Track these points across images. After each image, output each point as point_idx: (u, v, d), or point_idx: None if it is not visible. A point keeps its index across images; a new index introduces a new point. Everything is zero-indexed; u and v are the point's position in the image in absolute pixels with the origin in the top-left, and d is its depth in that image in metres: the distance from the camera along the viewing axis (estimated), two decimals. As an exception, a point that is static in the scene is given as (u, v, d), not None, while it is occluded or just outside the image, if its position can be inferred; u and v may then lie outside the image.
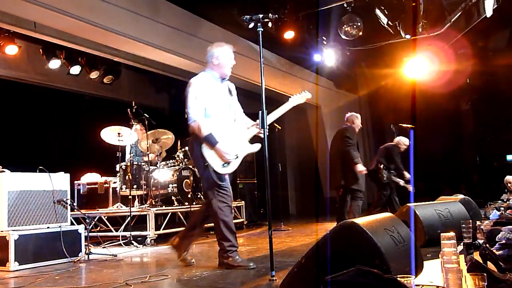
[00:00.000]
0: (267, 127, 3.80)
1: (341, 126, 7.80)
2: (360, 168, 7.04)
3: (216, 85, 4.40)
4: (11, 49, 8.00)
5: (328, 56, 9.97)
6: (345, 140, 7.30)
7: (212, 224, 7.64)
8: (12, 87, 8.82)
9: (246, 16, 3.70)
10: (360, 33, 8.46)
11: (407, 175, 8.29)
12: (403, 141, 8.57)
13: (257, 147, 4.47)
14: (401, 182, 8.19)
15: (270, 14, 3.71)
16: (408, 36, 8.45)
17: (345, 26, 8.43)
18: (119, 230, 6.89)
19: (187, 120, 4.27)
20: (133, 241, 6.44)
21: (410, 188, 7.84)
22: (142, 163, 7.45)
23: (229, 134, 4.34)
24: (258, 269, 4.11)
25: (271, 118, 4.46)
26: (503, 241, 3.45)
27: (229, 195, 4.29)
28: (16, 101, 8.81)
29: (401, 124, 8.12)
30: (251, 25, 3.90)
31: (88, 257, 5.28)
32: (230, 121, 4.47)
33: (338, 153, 7.38)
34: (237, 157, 4.33)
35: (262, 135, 4.20)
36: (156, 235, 6.68)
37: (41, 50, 8.63)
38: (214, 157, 4.21)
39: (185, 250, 4.60)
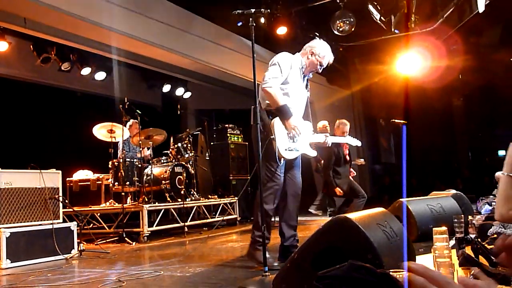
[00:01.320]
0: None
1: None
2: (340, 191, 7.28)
3: (299, 72, 4.25)
4: (1, 46, 7.94)
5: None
6: (324, 163, 7.57)
7: (204, 221, 7.66)
8: (3, 84, 8.75)
9: (238, 11, 3.68)
10: (353, 29, 8.46)
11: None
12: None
13: (314, 153, 4.33)
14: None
15: (262, 9, 3.69)
16: (397, 31, 8.46)
17: (337, 21, 8.42)
18: (112, 227, 6.87)
19: (262, 84, 4.00)
20: (126, 238, 6.42)
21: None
22: (135, 160, 7.42)
23: (300, 123, 4.12)
24: (251, 265, 4.11)
25: (329, 140, 4.50)
26: (495, 236, 3.47)
27: (279, 184, 4.02)
28: (6, 98, 8.74)
29: (393, 120, 8.14)
30: (240, 23, 3.89)
31: (80, 254, 5.26)
32: (301, 113, 4.31)
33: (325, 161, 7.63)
34: (297, 150, 4.12)
35: (313, 149, 4.17)
36: (149, 232, 6.66)
37: (31, 46, 8.56)
38: (283, 136, 3.98)
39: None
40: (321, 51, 4.26)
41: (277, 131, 3.94)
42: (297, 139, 4.07)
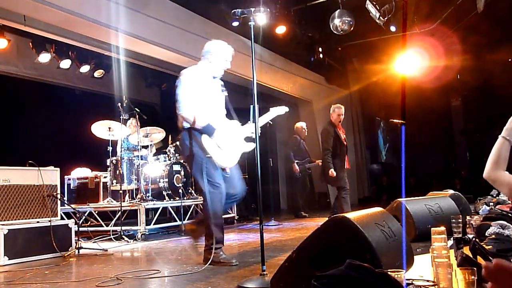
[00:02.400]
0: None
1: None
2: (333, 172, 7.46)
3: (207, 80, 4.37)
4: (1, 43, 7.92)
5: (319, 51, 9.99)
6: (322, 144, 7.73)
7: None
8: (1, 81, 8.73)
9: (237, 10, 3.67)
10: (352, 28, 8.46)
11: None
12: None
13: (252, 146, 4.44)
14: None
15: (261, 8, 3.69)
16: (393, 28, 8.47)
17: (336, 21, 8.42)
18: (110, 225, 6.87)
19: (176, 111, 4.19)
20: (123, 236, 6.42)
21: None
22: (133, 158, 7.42)
23: (225, 129, 4.31)
24: (249, 264, 4.11)
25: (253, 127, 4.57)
26: (493, 236, 3.48)
27: (222, 191, 4.21)
28: (5, 95, 8.73)
29: (392, 120, 8.17)
30: (235, 23, 3.89)
31: (78, 251, 5.26)
32: (223, 117, 4.46)
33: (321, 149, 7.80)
34: (234, 153, 4.33)
35: (253, 136, 4.21)
36: (147, 230, 6.66)
37: (30, 43, 8.54)
38: (216, 149, 4.16)
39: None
40: (217, 51, 4.37)
41: (209, 148, 4.13)
42: (229, 146, 4.29)
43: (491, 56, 10.79)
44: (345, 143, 7.71)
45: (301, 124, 9.89)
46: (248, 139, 4.53)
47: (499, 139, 2.39)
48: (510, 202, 5.30)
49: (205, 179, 4.10)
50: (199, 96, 4.22)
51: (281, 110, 4.88)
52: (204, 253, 4.26)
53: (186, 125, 4.23)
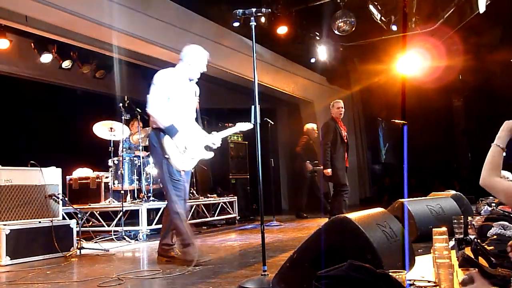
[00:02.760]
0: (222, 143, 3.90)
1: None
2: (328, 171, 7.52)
3: (183, 82, 4.50)
4: (2, 43, 7.93)
5: (321, 51, 9.98)
6: (322, 138, 7.76)
7: (203, 220, 7.70)
8: (3, 81, 8.74)
9: (239, 10, 3.67)
10: (353, 29, 8.46)
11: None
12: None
13: (210, 155, 4.71)
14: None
15: (263, 9, 3.68)
16: (394, 27, 8.46)
17: (338, 21, 8.42)
18: (111, 225, 6.87)
19: (147, 107, 4.33)
20: (125, 236, 6.43)
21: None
22: (134, 158, 7.42)
23: (189, 133, 4.44)
24: (250, 264, 4.11)
25: (220, 136, 4.84)
26: (494, 237, 3.48)
27: (184, 191, 4.40)
28: (7, 95, 8.73)
29: (393, 120, 8.16)
30: (236, 23, 3.91)
31: (80, 252, 5.26)
32: (191, 121, 4.61)
33: (322, 146, 7.77)
34: (193, 158, 4.47)
35: (214, 147, 4.64)
36: (149, 230, 6.66)
37: (32, 44, 8.55)
38: (175, 151, 4.29)
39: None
40: (195, 54, 4.52)
41: (169, 149, 4.26)
42: (189, 150, 4.39)
43: (493, 56, 10.77)
44: (345, 140, 7.70)
45: (312, 126, 9.93)
46: (208, 148, 4.73)
47: (492, 147, 2.47)
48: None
49: (166, 177, 4.26)
50: (171, 97, 4.35)
51: (246, 126, 5.00)
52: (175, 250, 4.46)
53: (155, 124, 4.37)
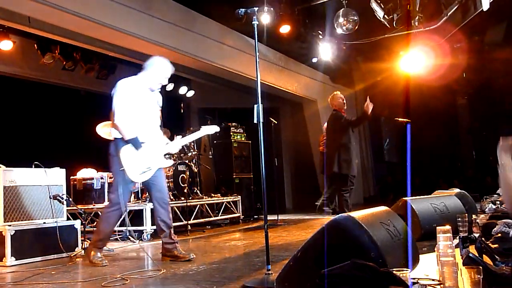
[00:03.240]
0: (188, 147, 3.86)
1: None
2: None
3: (144, 92, 4.57)
4: (6, 45, 7.94)
5: (324, 50, 9.96)
6: (332, 127, 7.70)
7: (207, 219, 7.71)
8: (7, 82, 8.76)
9: (241, 9, 3.67)
10: (356, 27, 8.44)
11: None
12: None
13: (169, 163, 4.81)
14: None
15: (265, 8, 3.69)
16: (398, 26, 8.44)
17: (341, 20, 8.40)
18: (116, 225, 6.87)
19: (113, 118, 4.42)
20: (129, 236, 6.44)
21: None
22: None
23: (149, 144, 4.49)
24: (254, 263, 4.11)
25: (182, 142, 4.98)
26: (499, 235, 3.46)
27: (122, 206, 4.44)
28: (11, 96, 8.76)
29: (397, 118, 8.14)
30: (238, 22, 3.90)
31: (84, 252, 5.26)
32: (153, 130, 4.63)
33: (331, 139, 7.69)
34: (149, 169, 4.47)
35: (173, 152, 4.78)
36: (153, 230, 6.66)
37: (35, 45, 8.56)
38: (134, 162, 4.35)
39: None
40: (159, 66, 4.70)
41: (126, 161, 4.34)
42: (147, 162, 4.43)
43: (497, 54, 10.74)
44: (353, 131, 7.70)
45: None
46: (168, 156, 4.84)
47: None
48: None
49: (119, 189, 4.36)
50: (133, 107, 4.42)
51: (211, 129, 5.08)
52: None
53: (115, 134, 4.45)
